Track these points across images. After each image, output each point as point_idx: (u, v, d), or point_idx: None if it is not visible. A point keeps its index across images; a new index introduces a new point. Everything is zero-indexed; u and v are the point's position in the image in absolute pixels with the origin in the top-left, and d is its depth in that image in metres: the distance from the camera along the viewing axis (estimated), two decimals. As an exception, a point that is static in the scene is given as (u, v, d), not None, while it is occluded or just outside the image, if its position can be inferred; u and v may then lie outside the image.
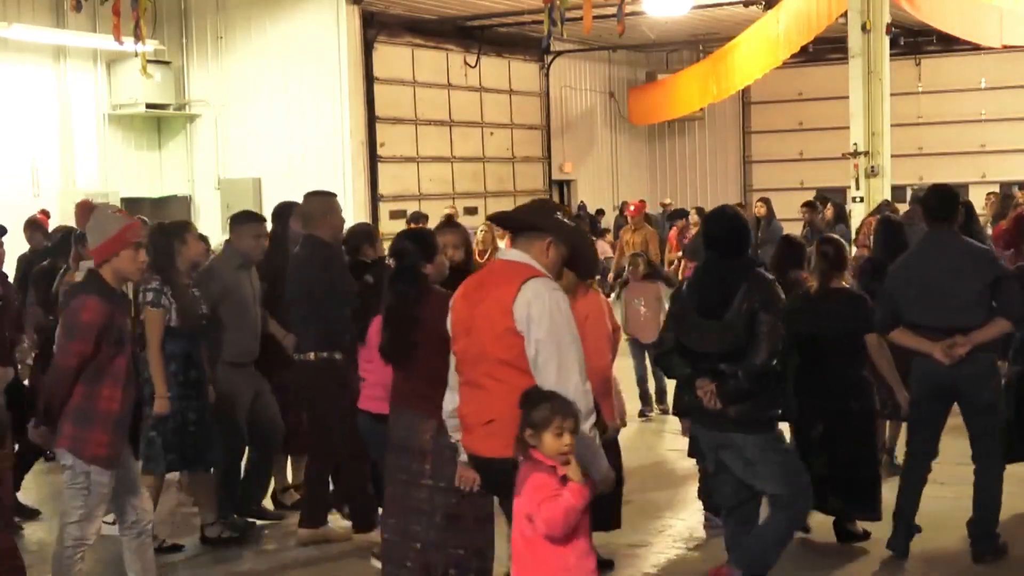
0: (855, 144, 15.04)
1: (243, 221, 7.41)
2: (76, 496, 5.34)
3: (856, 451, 6.46)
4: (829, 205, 16.18)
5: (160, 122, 19.21)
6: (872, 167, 14.96)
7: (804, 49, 19.25)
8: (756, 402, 5.47)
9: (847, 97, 15.35)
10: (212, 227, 18.53)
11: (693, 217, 15.74)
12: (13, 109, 16.80)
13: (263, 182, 18.43)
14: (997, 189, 21.18)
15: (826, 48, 21.15)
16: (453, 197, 20.57)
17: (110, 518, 7.35)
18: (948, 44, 22.13)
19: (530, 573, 4.16)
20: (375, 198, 18.85)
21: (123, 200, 17.91)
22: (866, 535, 6.62)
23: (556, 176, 23.91)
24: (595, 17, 14.49)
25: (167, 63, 18.47)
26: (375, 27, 18.83)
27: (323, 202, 7.15)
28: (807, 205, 16.88)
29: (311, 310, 6.81)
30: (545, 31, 14.02)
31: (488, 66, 21.66)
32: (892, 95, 15.52)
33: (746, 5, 19.47)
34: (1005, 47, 19.66)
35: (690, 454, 7.22)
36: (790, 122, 26.15)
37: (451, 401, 4.77)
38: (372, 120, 18.80)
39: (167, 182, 19.23)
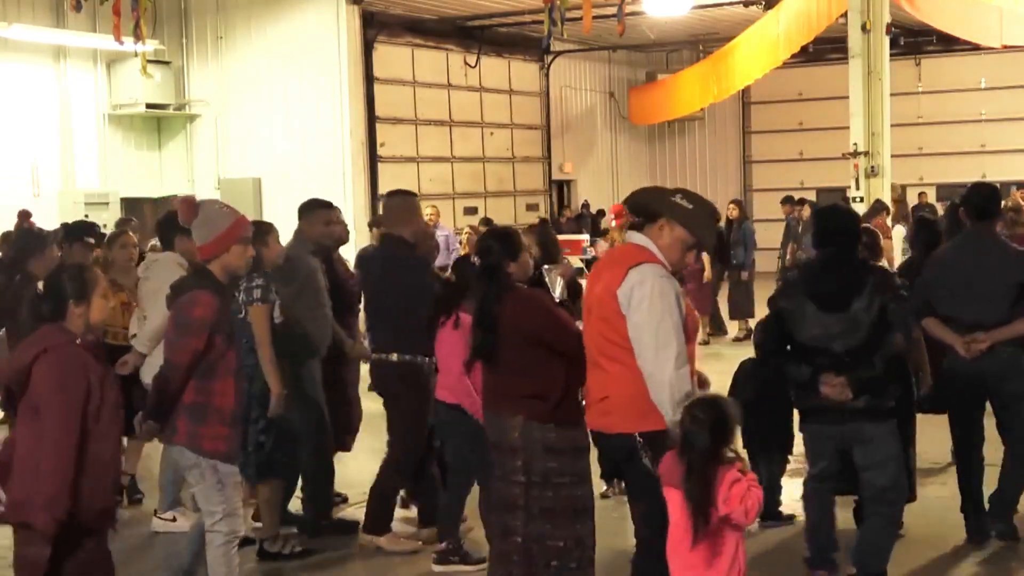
0: (855, 144, 15.03)
1: (313, 208, 7.36)
2: (212, 493, 5.32)
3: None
4: (806, 205, 16.38)
5: (160, 122, 19.21)
6: (872, 167, 14.96)
7: (804, 49, 19.25)
8: (884, 391, 5.61)
9: (847, 97, 15.35)
10: (212, 227, 18.55)
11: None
12: (13, 109, 16.81)
13: (263, 182, 18.43)
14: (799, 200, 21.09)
15: (826, 48, 21.15)
16: (453, 197, 20.59)
17: (169, 515, 7.35)
18: (948, 44, 22.13)
19: (704, 564, 4.31)
20: (375, 198, 18.84)
21: (123, 200, 17.93)
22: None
23: (556, 176, 23.91)
24: (595, 17, 14.49)
25: (167, 63, 18.48)
26: (375, 27, 18.82)
27: (404, 201, 7.14)
28: (787, 201, 17.08)
29: (392, 310, 6.76)
30: (545, 31, 14.02)
31: (488, 66, 21.65)
32: (892, 95, 15.52)
33: (746, 5, 19.47)
34: (1005, 47, 19.66)
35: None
36: (790, 122, 26.15)
37: None
38: (372, 120, 18.80)
39: (167, 182, 19.22)
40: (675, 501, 4.37)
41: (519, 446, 5.28)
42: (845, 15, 15.77)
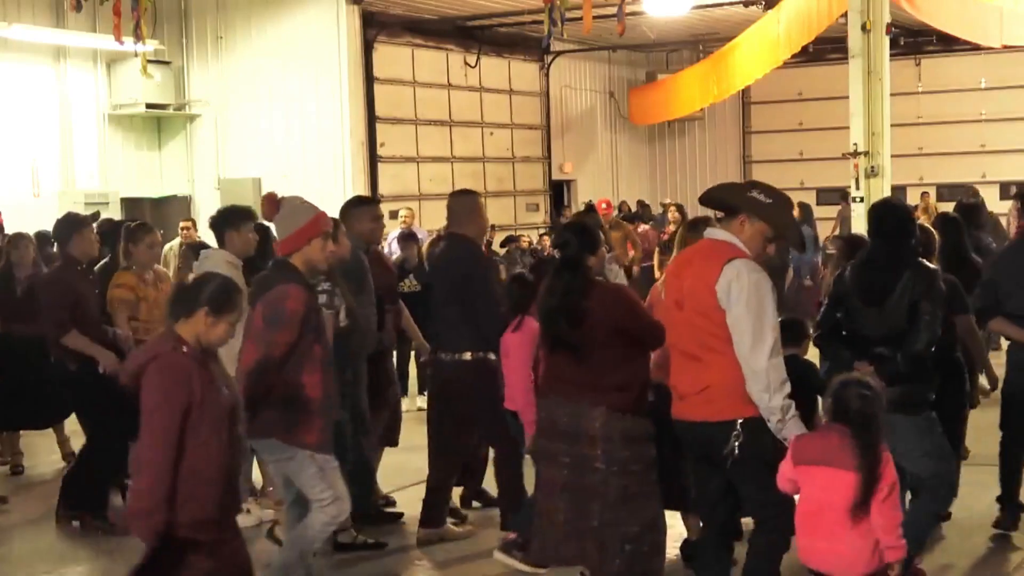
0: (855, 144, 15.00)
1: (358, 204, 7.42)
2: (315, 481, 5.35)
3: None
4: (797, 205, 16.48)
5: (160, 122, 19.21)
6: (872, 167, 14.92)
7: (804, 49, 19.23)
8: (913, 385, 5.67)
9: (847, 97, 15.32)
10: (212, 227, 18.56)
11: (672, 214, 15.76)
12: (13, 109, 16.81)
13: (263, 182, 18.41)
14: (997, 189, 21.25)
15: (826, 48, 21.15)
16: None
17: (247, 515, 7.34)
18: (948, 44, 22.12)
19: (851, 539, 4.48)
20: (375, 198, 18.80)
21: (123, 200, 17.94)
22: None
23: (556, 176, 23.91)
24: (595, 17, 14.48)
25: (167, 63, 18.47)
26: (375, 27, 18.82)
27: (468, 200, 7.20)
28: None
29: (463, 309, 6.77)
30: (545, 31, 14.01)
31: (488, 66, 21.65)
32: (892, 95, 15.48)
33: (746, 5, 19.46)
34: (1005, 47, 19.64)
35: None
36: (790, 122, 26.15)
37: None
38: (372, 120, 18.80)
39: (167, 182, 19.23)
40: (822, 479, 4.52)
41: (600, 436, 5.44)
42: (845, 15, 15.74)
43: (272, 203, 5.75)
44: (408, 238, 12.00)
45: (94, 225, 8.45)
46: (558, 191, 24.28)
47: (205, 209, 19.00)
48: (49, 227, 12.64)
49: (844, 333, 5.89)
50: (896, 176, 16.34)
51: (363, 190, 18.27)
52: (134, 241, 7.88)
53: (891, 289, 5.63)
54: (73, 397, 7.77)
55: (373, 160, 18.85)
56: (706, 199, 5.31)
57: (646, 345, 5.54)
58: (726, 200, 5.09)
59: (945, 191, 23.25)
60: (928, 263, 5.93)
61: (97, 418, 7.60)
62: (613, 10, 15.06)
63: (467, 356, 6.76)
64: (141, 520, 4.26)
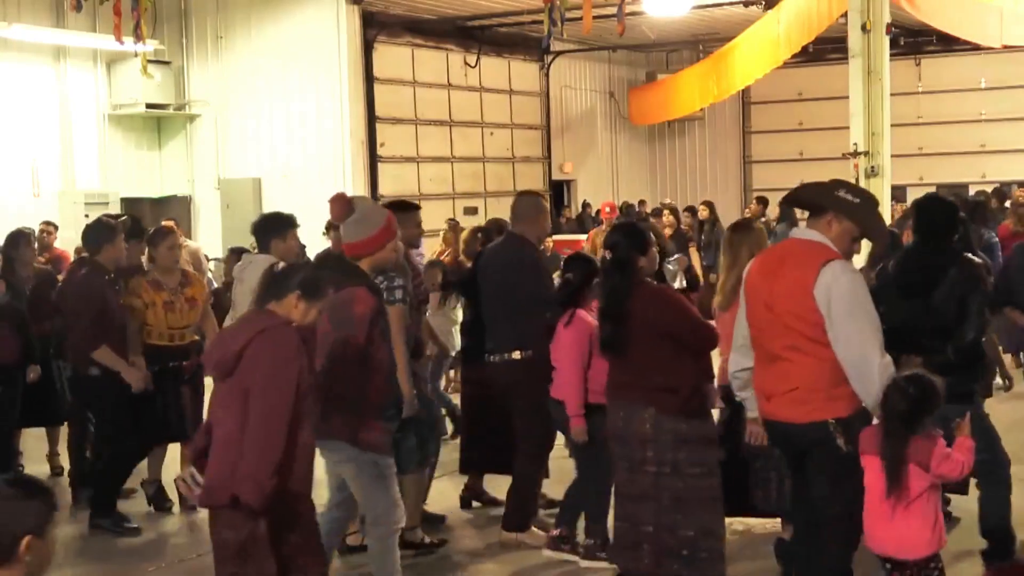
0: (855, 144, 15.00)
1: (403, 210, 7.36)
2: (373, 486, 5.34)
3: None
4: (755, 204, 16.68)
5: (160, 122, 19.20)
6: (872, 167, 14.92)
7: (804, 49, 19.23)
8: (962, 376, 5.72)
9: (847, 97, 15.32)
10: (212, 227, 18.56)
11: (667, 218, 15.76)
12: (13, 109, 16.80)
13: (263, 182, 18.44)
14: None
15: (826, 48, 21.14)
16: (453, 197, 20.59)
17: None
18: (948, 44, 22.12)
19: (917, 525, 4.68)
20: (375, 198, 18.83)
21: (123, 200, 17.93)
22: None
23: (556, 176, 23.90)
24: (595, 17, 14.48)
25: (167, 63, 18.47)
26: (375, 27, 18.82)
27: (535, 203, 7.26)
28: (760, 200, 17.42)
29: (514, 309, 6.79)
30: (545, 31, 14.01)
31: (488, 66, 21.65)
32: (892, 95, 15.48)
33: (746, 5, 19.46)
34: (1005, 47, 19.64)
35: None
36: (790, 122, 26.15)
37: (736, 363, 5.16)
38: (372, 120, 18.79)
39: (167, 182, 19.23)
40: (874, 467, 4.67)
41: (650, 437, 5.49)
42: (845, 15, 15.74)
43: (344, 204, 5.69)
44: None
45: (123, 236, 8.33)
46: (558, 191, 24.27)
47: (205, 209, 19.02)
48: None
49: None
50: (896, 176, 16.35)
51: (363, 190, 18.26)
52: (154, 244, 7.86)
53: (938, 283, 5.69)
54: (92, 401, 7.74)
55: (373, 160, 18.85)
56: (793, 199, 5.47)
57: (693, 347, 5.53)
58: (814, 200, 5.09)
59: (945, 191, 23.24)
60: (975, 258, 6.05)
61: (115, 423, 7.58)
62: (613, 10, 15.05)
63: (516, 355, 6.78)
64: (252, 485, 4.30)
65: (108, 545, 7.42)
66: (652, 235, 5.90)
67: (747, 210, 19.21)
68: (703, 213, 16.75)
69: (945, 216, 5.98)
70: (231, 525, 4.43)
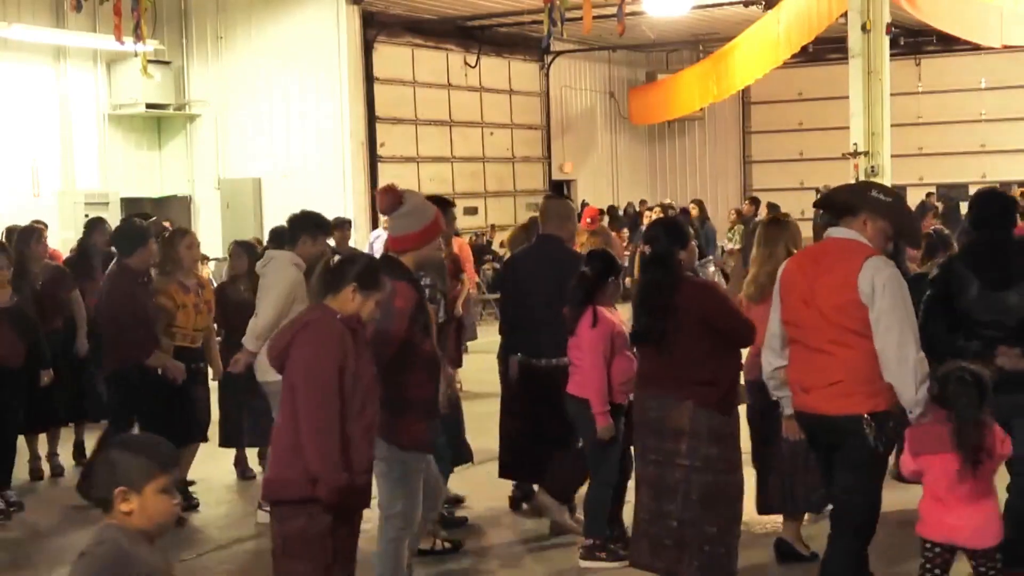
0: (855, 144, 15.01)
1: (441, 205, 7.39)
2: (396, 486, 5.31)
3: None
4: (764, 205, 16.75)
5: (160, 122, 19.21)
6: (872, 167, 14.93)
7: (804, 49, 19.24)
8: None
9: (847, 97, 15.33)
10: (212, 227, 18.56)
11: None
12: (13, 109, 16.81)
13: (263, 182, 18.45)
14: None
15: (826, 48, 21.15)
16: (453, 197, 20.50)
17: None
18: (948, 44, 22.13)
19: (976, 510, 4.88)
20: (375, 198, 18.84)
21: (123, 200, 17.93)
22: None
23: (556, 176, 23.91)
24: (595, 17, 14.48)
25: (167, 63, 18.47)
26: (375, 27, 18.83)
27: (561, 204, 7.33)
28: (751, 200, 17.56)
29: (549, 311, 6.71)
30: (545, 31, 14.02)
31: (488, 66, 21.65)
32: (892, 95, 15.49)
33: (746, 5, 19.46)
34: (1005, 47, 19.66)
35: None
36: (790, 122, 26.15)
37: (771, 362, 5.25)
38: (372, 120, 18.80)
39: (167, 182, 19.23)
40: (938, 463, 4.81)
41: (687, 431, 5.50)
42: (845, 15, 15.75)
43: (393, 196, 5.61)
44: None
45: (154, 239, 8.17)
46: (558, 191, 24.28)
47: (205, 209, 19.02)
48: (50, 227, 12.67)
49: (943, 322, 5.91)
50: (896, 176, 16.35)
51: (363, 190, 18.28)
52: (173, 245, 7.80)
53: (1016, 274, 5.70)
54: (126, 399, 7.66)
55: (373, 160, 18.85)
56: (826, 203, 5.48)
57: (734, 342, 5.60)
58: (848, 201, 5.18)
59: (945, 191, 23.27)
60: None
61: (149, 420, 7.50)
62: (613, 10, 15.06)
63: (565, 360, 6.66)
64: (323, 482, 4.33)
65: (57, 543, 7.39)
66: (691, 230, 5.97)
67: (736, 210, 19.21)
68: (693, 212, 16.83)
69: (1002, 208, 6.05)
70: (293, 517, 4.46)
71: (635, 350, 6.14)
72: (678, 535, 5.53)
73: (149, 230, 7.94)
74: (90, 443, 9.45)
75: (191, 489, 8.07)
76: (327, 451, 4.33)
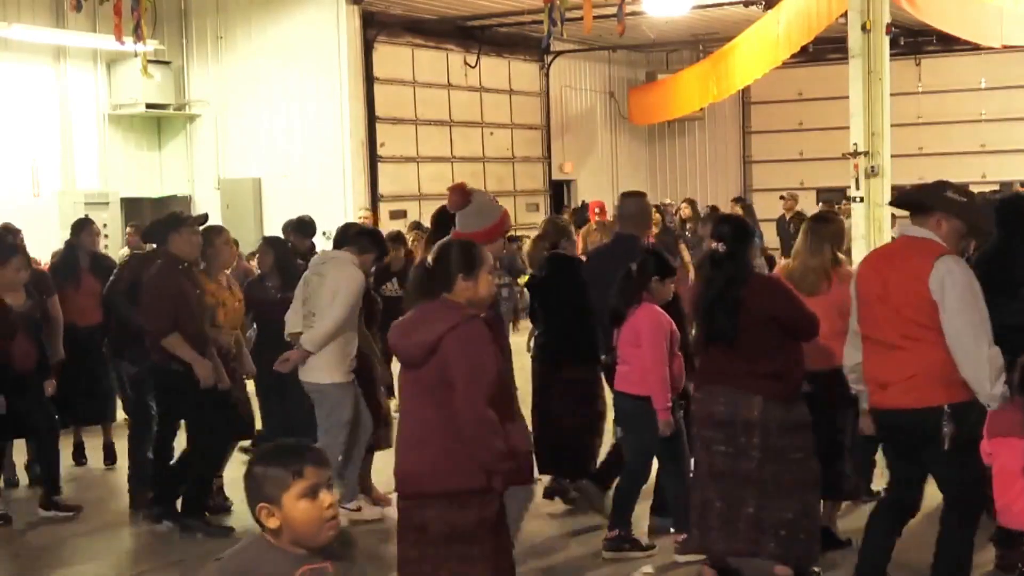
0: (855, 144, 14.97)
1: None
2: None
3: None
4: (739, 205, 16.85)
5: (160, 122, 19.21)
6: (872, 167, 14.89)
7: (804, 49, 19.21)
8: None
9: (847, 97, 15.29)
10: (212, 227, 18.55)
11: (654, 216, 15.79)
12: (13, 109, 16.81)
13: (263, 182, 18.45)
14: (998, 189, 21.24)
15: (826, 48, 21.13)
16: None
17: (353, 505, 7.40)
18: (948, 44, 22.11)
19: None
20: (375, 198, 18.85)
21: (123, 200, 17.94)
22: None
23: (556, 176, 23.90)
24: (595, 17, 14.47)
25: (167, 63, 18.47)
26: (375, 27, 18.82)
27: (639, 203, 7.47)
28: (736, 201, 17.66)
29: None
30: (545, 31, 13.98)
31: (488, 66, 21.65)
32: (892, 95, 15.44)
33: (746, 5, 19.45)
34: (1005, 47, 19.64)
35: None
36: (790, 122, 26.13)
37: (851, 357, 5.43)
38: (372, 120, 18.80)
39: (167, 182, 19.23)
40: (1008, 448, 4.87)
41: (757, 423, 5.71)
42: (845, 15, 15.73)
43: (462, 194, 5.75)
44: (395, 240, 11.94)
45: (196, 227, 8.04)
46: (558, 191, 24.27)
47: (205, 209, 18.95)
48: (50, 227, 12.67)
49: None
50: (896, 176, 16.32)
51: (363, 190, 18.29)
52: (209, 243, 7.76)
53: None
54: (175, 398, 7.61)
55: (373, 160, 18.85)
56: (903, 201, 5.67)
57: (799, 336, 5.78)
58: (923, 200, 5.34)
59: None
60: None
61: (198, 419, 7.50)
62: (613, 10, 15.04)
63: None
64: (495, 471, 4.49)
65: (106, 544, 7.42)
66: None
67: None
68: (685, 211, 16.85)
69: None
70: (464, 506, 4.56)
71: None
72: (754, 520, 5.73)
73: (182, 218, 7.84)
74: (93, 445, 9.46)
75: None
76: (495, 442, 4.48)
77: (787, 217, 18.04)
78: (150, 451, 8.07)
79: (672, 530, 6.68)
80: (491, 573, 4.63)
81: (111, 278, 8.66)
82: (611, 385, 7.08)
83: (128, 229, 15.17)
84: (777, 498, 5.71)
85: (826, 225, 6.77)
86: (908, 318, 5.10)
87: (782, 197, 18.71)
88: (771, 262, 9.49)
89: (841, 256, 6.75)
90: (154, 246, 8.04)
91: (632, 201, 7.54)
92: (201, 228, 7.83)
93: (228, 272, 8.22)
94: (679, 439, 6.49)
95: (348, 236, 7.58)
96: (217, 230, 8.07)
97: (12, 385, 7.61)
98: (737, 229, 5.94)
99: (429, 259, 4.78)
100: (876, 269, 5.35)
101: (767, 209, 21.85)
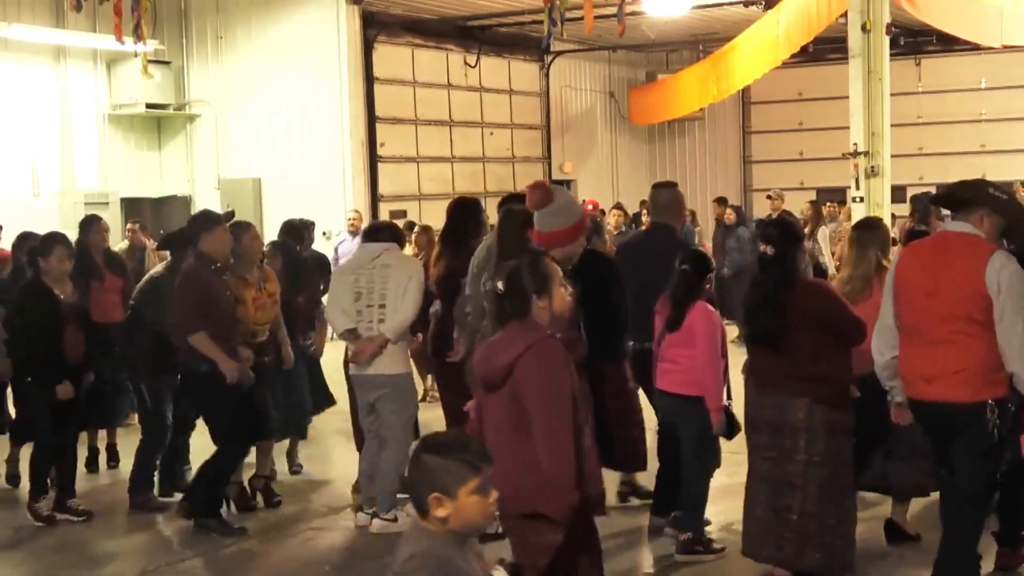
0: (855, 144, 14.99)
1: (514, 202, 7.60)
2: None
3: None
4: (729, 208, 16.87)
5: (160, 122, 19.21)
6: (872, 167, 14.91)
7: (804, 49, 19.21)
8: None
9: (847, 97, 15.31)
10: (212, 227, 18.56)
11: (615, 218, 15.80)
12: (13, 109, 16.81)
13: (263, 182, 18.45)
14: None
15: (826, 48, 21.13)
16: (453, 197, 20.56)
17: (391, 515, 7.30)
18: (948, 44, 22.10)
19: None
20: (375, 198, 18.85)
21: (123, 200, 17.94)
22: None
23: (556, 176, 23.87)
24: (595, 17, 14.47)
25: (167, 63, 18.48)
26: (375, 27, 18.82)
27: (673, 193, 7.56)
28: (719, 201, 17.67)
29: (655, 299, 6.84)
30: (545, 31, 13.99)
31: (488, 66, 21.65)
32: (892, 95, 15.47)
33: (746, 5, 19.45)
34: (1005, 47, 19.64)
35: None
36: (790, 122, 26.13)
37: (884, 353, 5.49)
38: (372, 120, 18.80)
39: (167, 182, 19.23)
40: None
41: (804, 426, 5.76)
42: (845, 15, 15.74)
43: (544, 193, 5.77)
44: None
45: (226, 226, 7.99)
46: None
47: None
48: (50, 227, 12.68)
49: None
50: (896, 176, 16.35)
51: (363, 190, 18.29)
52: (237, 239, 7.72)
53: None
54: (200, 397, 7.60)
55: (373, 160, 18.85)
56: (946, 199, 5.79)
57: (847, 340, 5.82)
58: (967, 197, 5.43)
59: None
60: None
61: (223, 419, 7.46)
62: (613, 10, 15.04)
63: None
64: (556, 499, 4.38)
65: (105, 545, 7.42)
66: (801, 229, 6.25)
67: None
68: (617, 218, 16.87)
69: None
70: (531, 531, 4.49)
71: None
72: (799, 527, 5.75)
73: (216, 217, 7.79)
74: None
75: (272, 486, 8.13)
76: (565, 474, 4.39)
77: (773, 216, 18.00)
78: (158, 458, 8.06)
79: (672, 529, 6.70)
80: None
81: (143, 289, 8.39)
82: (640, 382, 7.13)
83: (130, 225, 15.13)
84: (820, 503, 5.76)
85: (871, 232, 6.88)
86: (960, 314, 5.19)
87: (769, 196, 18.66)
88: (821, 272, 9.48)
89: (886, 263, 6.73)
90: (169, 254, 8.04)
91: (665, 192, 7.62)
92: (233, 224, 7.87)
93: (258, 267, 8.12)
94: (716, 440, 6.56)
95: (386, 232, 7.57)
96: (244, 226, 8.01)
97: (66, 376, 7.60)
98: (785, 232, 5.98)
99: (500, 285, 4.66)
100: (923, 265, 5.40)
101: (767, 209, 21.88)
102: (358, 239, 12.26)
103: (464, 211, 7.80)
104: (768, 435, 5.86)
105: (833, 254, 15.68)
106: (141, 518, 7.99)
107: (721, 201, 18.31)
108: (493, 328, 4.77)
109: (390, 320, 7.16)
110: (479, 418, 4.67)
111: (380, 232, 7.61)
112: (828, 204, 17.84)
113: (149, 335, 7.99)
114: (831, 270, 14.40)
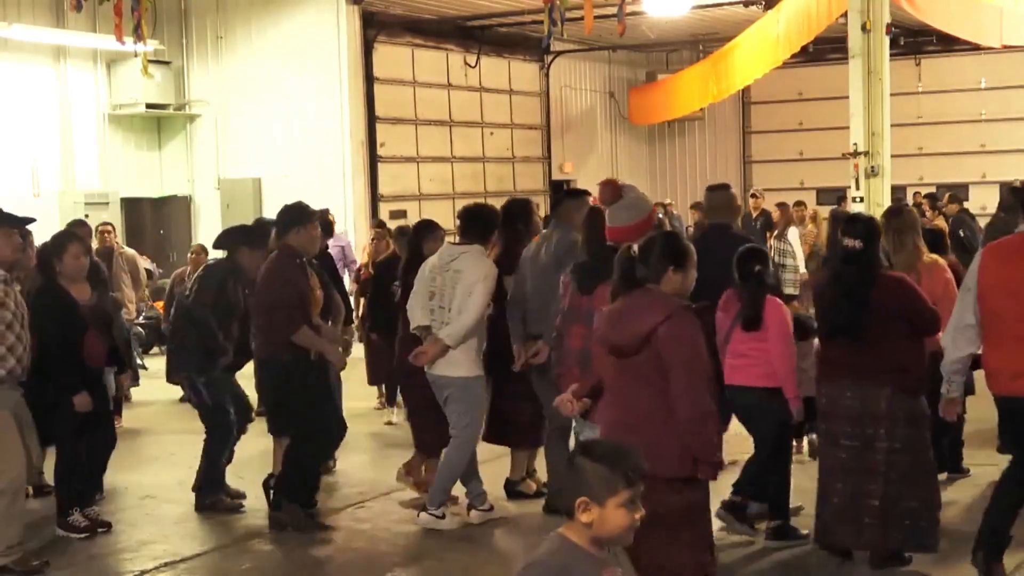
0: (855, 144, 14.99)
1: (576, 196, 7.67)
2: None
3: None
4: (699, 211, 17.09)
5: (160, 122, 19.21)
6: (872, 167, 14.91)
7: (804, 49, 19.22)
8: None
9: (847, 97, 15.31)
10: (212, 227, 18.54)
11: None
12: (13, 109, 16.81)
13: (263, 182, 18.45)
14: (997, 189, 21.25)
15: (826, 48, 21.14)
16: (453, 197, 20.57)
17: (439, 511, 7.34)
18: (948, 44, 22.12)
19: None
20: (375, 198, 18.85)
21: (123, 200, 17.94)
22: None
23: (556, 176, 23.90)
24: (595, 17, 14.47)
25: (167, 63, 18.48)
26: (375, 27, 18.82)
27: (727, 194, 7.83)
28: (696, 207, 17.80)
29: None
30: (545, 31, 13.99)
31: (488, 66, 21.65)
32: (892, 95, 15.47)
33: (746, 5, 19.46)
34: (1005, 47, 19.64)
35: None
36: (790, 122, 26.14)
37: (962, 349, 5.66)
38: (372, 120, 18.80)
39: (167, 182, 19.23)
40: None
41: (885, 415, 5.93)
42: (845, 15, 15.74)
43: (614, 189, 5.99)
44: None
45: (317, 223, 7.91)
46: (558, 191, 24.26)
47: (205, 209, 19.02)
48: (50, 227, 12.63)
49: None
50: (896, 176, 16.35)
51: (363, 190, 18.29)
52: (297, 232, 7.53)
53: None
54: (279, 388, 7.43)
55: (373, 160, 18.85)
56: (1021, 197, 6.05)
57: (924, 331, 6.02)
58: (1013, 201, 5.90)
59: (945, 191, 23.22)
60: None
61: (303, 409, 7.34)
62: (613, 10, 15.04)
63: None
64: (706, 460, 4.64)
65: (106, 543, 7.41)
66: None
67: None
68: (772, 209, 16.91)
69: None
70: (673, 492, 4.62)
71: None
72: (880, 512, 5.92)
73: (310, 213, 7.66)
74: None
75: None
76: (710, 435, 4.63)
77: (752, 215, 18.01)
78: (226, 455, 7.95)
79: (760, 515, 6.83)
80: (689, 561, 4.71)
81: (194, 288, 8.00)
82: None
83: (102, 227, 14.43)
84: (902, 488, 5.92)
85: (899, 217, 7.08)
86: None
87: (753, 195, 18.67)
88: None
89: (922, 246, 7.01)
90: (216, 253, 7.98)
91: (719, 193, 7.86)
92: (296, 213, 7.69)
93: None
94: (790, 431, 6.81)
95: (474, 227, 7.44)
96: (307, 216, 7.79)
97: (89, 383, 7.30)
98: (870, 228, 6.13)
99: (635, 248, 4.88)
100: (1006, 264, 5.59)
101: (754, 209, 21.86)
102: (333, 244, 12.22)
103: (513, 214, 7.96)
104: (848, 425, 6.02)
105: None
106: (141, 517, 8.00)
107: (697, 207, 18.38)
108: (613, 296, 4.93)
109: (452, 324, 7.12)
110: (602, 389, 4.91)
111: (467, 229, 7.40)
112: (802, 206, 17.75)
113: (203, 327, 7.78)
114: (801, 268, 14.73)
